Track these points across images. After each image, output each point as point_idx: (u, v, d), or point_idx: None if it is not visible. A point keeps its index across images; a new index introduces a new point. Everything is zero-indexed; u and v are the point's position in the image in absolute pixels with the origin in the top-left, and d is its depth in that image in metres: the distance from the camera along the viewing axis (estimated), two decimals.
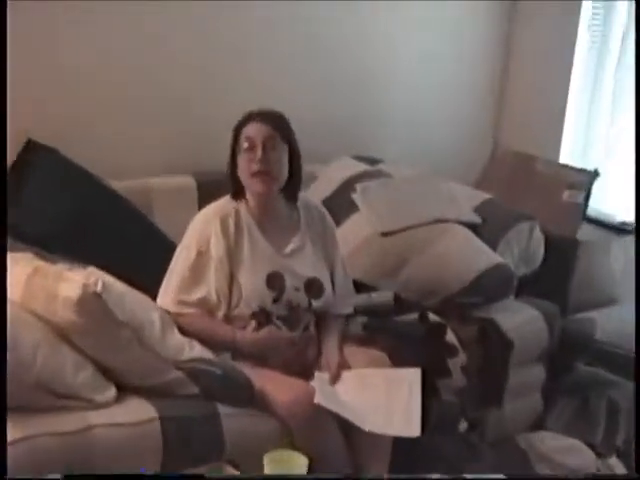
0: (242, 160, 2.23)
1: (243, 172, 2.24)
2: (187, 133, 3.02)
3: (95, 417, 1.94)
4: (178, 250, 2.29)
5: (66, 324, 1.96)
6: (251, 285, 2.21)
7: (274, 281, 2.23)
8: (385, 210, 2.90)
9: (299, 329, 2.28)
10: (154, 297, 2.25)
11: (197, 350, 2.14)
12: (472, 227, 2.86)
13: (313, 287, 2.29)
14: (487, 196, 3.04)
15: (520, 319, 2.73)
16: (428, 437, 2.14)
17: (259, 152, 2.19)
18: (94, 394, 1.98)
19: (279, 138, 2.23)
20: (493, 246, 2.81)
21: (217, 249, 2.21)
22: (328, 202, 2.92)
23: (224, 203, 2.31)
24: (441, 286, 2.68)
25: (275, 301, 2.23)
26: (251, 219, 2.27)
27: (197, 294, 2.22)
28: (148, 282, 2.23)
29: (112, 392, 2.02)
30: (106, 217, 2.59)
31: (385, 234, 2.83)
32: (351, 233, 2.85)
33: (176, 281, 2.23)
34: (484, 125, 3.85)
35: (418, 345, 2.43)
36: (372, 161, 3.27)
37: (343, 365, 2.23)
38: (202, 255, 2.22)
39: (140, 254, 2.57)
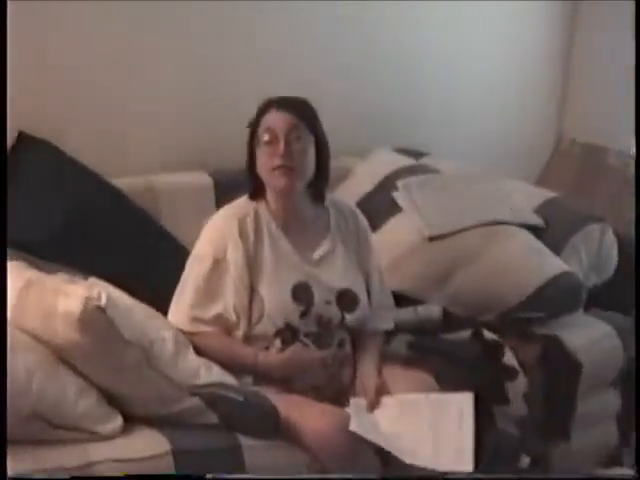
0: (262, 154, 2.19)
1: (263, 167, 2.20)
2: (202, 126, 3.02)
3: (98, 451, 1.91)
4: (190, 259, 2.26)
5: (65, 344, 1.93)
6: (275, 298, 2.17)
7: (301, 293, 2.19)
8: (432, 211, 2.88)
9: (331, 348, 2.23)
10: (165, 312, 2.23)
11: (215, 373, 2.12)
12: (533, 230, 2.84)
13: (346, 299, 2.25)
14: (550, 194, 3.02)
15: (590, 336, 2.69)
16: (482, 474, 2.10)
17: (281, 145, 2.14)
18: (97, 425, 1.96)
19: (304, 128, 2.18)
20: (558, 252, 2.78)
21: (235, 257, 2.18)
22: (365, 202, 2.94)
23: (242, 204, 2.27)
24: (497, 299, 2.65)
25: (303, 316, 2.19)
26: (273, 221, 2.24)
27: (213, 310, 2.18)
28: (158, 295, 2.21)
29: (118, 422, 2.00)
30: (109, 220, 2.58)
31: (432, 239, 2.81)
32: (392, 238, 2.82)
33: (189, 295, 2.20)
34: (546, 115, 3.85)
35: (471, 367, 2.41)
36: (416, 154, 3.26)
37: (382, 389, 2.19)
38: (218, 264, 2.18)
39: (149, 263, 2.56)
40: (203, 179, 2.91)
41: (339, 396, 2.20)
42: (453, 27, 3.50)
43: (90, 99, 2.83)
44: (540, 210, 2.93)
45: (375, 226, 2.58)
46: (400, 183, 2.99)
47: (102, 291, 1.94)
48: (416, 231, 2.83)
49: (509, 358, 2.48)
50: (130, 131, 2.91)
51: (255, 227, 2.21)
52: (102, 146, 2.83)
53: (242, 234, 2.19)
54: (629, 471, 2.48)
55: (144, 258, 2.58)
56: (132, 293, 2.12)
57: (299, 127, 2.17)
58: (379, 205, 2.93)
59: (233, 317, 2.18)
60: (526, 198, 2.98)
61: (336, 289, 2.24)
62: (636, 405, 2.52)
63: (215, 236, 2.21)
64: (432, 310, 2.63)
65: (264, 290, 2.18)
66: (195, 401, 2.03)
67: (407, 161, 3.18)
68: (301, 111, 2.19)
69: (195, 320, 2.18)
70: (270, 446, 2.04)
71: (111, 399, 2.01)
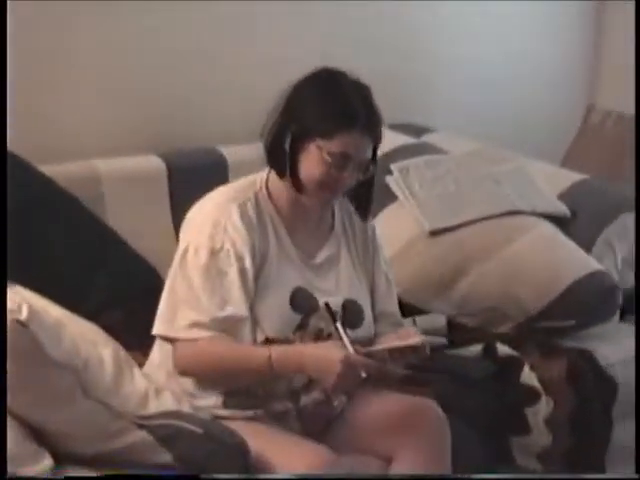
0: (315, 164, 2.11)
1: (308, 173, 2.13)
2: (150, 98, 3.01)
3: None
4: (177, 258, 2.18)
5: None
6: (271, 301, 2.15)
7: (301, 300, 2.17)
8: (433, 199, 2.89)
9: None
10: (105, 327, 2.20)
11: (167, 400, 2.09)
12: (557, 221, 2.87)
13: (351, 312, 2.22)
14: (579, 176, 3.05)
15: (627, 349, 2.69)
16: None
17: (347, 174, 2.12)
18: (21, 467, 1.91)
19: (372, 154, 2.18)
20: (587, 247, 2.80)
21: (238, 246, 2.12)
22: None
23: (239, 187, 2.22)
24: (514, 305, 2.67)
25: (299, 329, 2.17)
26: (274, 211, 2.21)
27: (221, 311, 2.11)
28: (98, 306, 2.25)
29: (47, 464, 1.96)
30: (36, 214, 2.56)
31: (434, 233, 2.83)
32: (385, 232, 2.70)
33: (185, 296, 2.12)
34: (574, 83, 3.91)
35: (483, 389, 2.43)
36: (418, 131, 3.32)
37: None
38: (216, 256, 2.11)
39: (86, 267, 2.55)
40: (153, 164, 2.90)
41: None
42: None
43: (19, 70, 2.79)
44: (566, 196, 2.96)
45: None
46: (395, 166, 3.00)
47: (23, 302, 1.91)
48: (414, 224, 2.86)
49: (529, 377, 2.50)
50: (65, 108, 2.91)
51: (257, 214, 2.17)
52: (32, 127, 2.82)
53: (245, 220, 2.14)
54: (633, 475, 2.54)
55: (80, 261, 2.58)
56: (65, 305, 2.11)
57: (370, 155, 2.16)
58: None
59: (246, 313, 2.11)
60: (549, 182, 3.00)
61: (341, 299, 2.22)
62: (636, 405, 2.57)
63: (209, 224, 2.14)
64: (435, 320, 2.62)
65: (263, 293, 2.15)
66: (143, 435, 2.00)
67: (405, 139, 3.22)
68: (379, 132, 2.17)
69: (195, 325, 2.11)
70: None
71: (38, 435, 1.98)
